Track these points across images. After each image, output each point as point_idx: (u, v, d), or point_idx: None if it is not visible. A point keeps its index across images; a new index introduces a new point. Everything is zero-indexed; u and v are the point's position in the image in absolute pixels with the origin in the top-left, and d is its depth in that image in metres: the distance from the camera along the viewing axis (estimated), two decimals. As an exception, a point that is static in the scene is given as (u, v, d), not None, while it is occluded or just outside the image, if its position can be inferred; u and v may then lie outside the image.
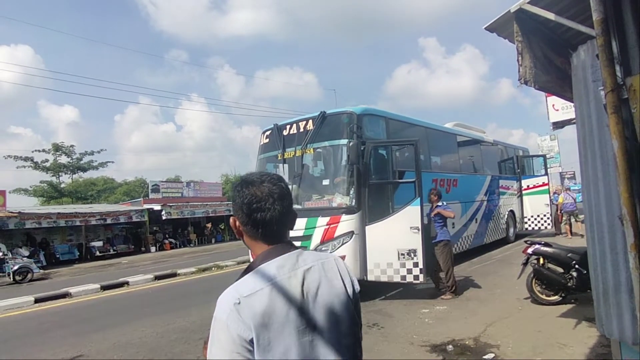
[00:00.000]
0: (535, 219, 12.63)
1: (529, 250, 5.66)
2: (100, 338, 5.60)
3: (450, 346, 4.29)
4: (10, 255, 14.46)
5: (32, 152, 32.15)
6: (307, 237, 6.36)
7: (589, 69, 2.77)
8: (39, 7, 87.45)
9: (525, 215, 12.82)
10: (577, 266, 5.26)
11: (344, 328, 1.11)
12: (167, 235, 23.58)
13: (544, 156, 14.10)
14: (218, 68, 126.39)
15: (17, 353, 5.32)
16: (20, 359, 5.13)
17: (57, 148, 32.36)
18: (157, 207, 21.90)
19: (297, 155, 6.97)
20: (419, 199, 6.08)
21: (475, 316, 5.31)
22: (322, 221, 6.36)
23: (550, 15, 2.91)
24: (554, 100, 15.73)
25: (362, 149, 6.33)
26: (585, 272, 4.94)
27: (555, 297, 5.50)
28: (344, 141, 6.48)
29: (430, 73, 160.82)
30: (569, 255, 5.43)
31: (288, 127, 7.31)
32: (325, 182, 6.90)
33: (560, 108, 16.22)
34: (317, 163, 7.24)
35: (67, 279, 12.78)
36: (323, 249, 6.14)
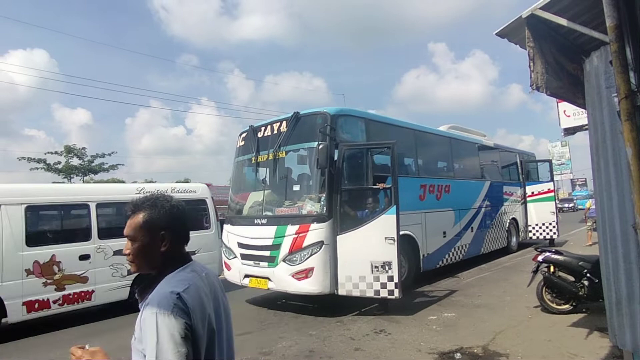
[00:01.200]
0: (541, 228, 12.09)
1: (540, 258, 5.58)
2: (104, 340, 5.63)
3: (459, 354, 4.24)
4: None
5: (45, 154, 32.60)
6: (275, 247, 6.00)
7: (602, 76, 2.74)
8: (54, 13, 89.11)
9: (529, 223, 12.26)
10: (588, 275, 5.18)
11: (230, 327, 1.42)
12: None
13: (549, 161, 13.47)
14: (228, 72, 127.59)
15: (27, 353, 5.36)
16: (27, 359, 5.17)
17: (69, 150, 32.83)
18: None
19: (270, 158, 6.63)
20: (395, 206, 5.70)
21: (484, 324, 5.24)
22: (292, 229, 5.91)
23: (563, 21, 2.89)
24: (565, 106, 15.59)
25: (334, 152, 5.95)
26: (597, 281, 4.85)
27: (566, 306, 5.41)
28: (315, 144, 6.03)
29: (440, 78, 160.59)
30: (580, 263, 5.34)
31: (263, 128, 6.96)
32: (296, 187, 6.55)
33: (572, 114, 16.07)
34: (290, 167, 6.79)
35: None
36: (293, 259, 5.81)
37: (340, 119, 6.39)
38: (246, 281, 6.49)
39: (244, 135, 7.38)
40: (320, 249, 5.70)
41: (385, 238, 5.61)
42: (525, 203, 12.31)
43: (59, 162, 32.51)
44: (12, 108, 63.83)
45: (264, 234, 6.19)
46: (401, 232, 6.98)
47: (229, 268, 6.94)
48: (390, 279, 5.59)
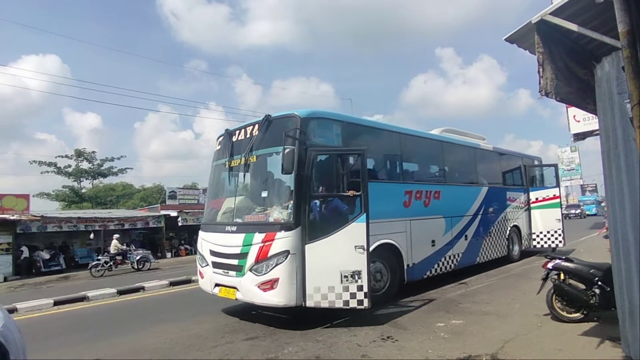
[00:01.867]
0: (545, 236, 11.57)
1: (549, 265, 5.50)
2: (116, 342, 5.66)
3: (467, 362, 4.19)
4: (134, 248, 16.95)
5: (56, 157, 33.19)
6: (243, 255, 5.77)
7: (614, 81, 2.71)
8: (67, 19, 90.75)
9: (533, 231, 11.76)
10: (600, 283, 5.09)
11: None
12: (182, 242, 23.83)
13: (555, 165, 12.72)
14: (236, 77, 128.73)
15: (36, 355, 5.41)
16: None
17: (79, 154, 33.32)
18: (173, 214, 22.17)
19: (242, 163, 6.44)
20: (365, 214, 5.50)
21: (492, 331, 5.17)
22: (258, 238, 5.66)
23: (573, 27, 2.87)
24: (575, 111, 15.43)
25: (304, 157, 5.68)
26: (608, 289, 4.77)
27: (577, 315, 5.32)
28: (288, 148, 5.72)
29: (447, 83, 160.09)
30: (592, 271, 5.25)
31: (237, 132, 6.74)
32: (264, 194, 6.32)
33: (581, 119, 15.88)
34: (260, 172, 6.57)
35: (85, 282, 13.01)
36: (259, 269, 5.59)
37: (311, 122, 6.10)
38: (216, 290, 6.29)
39: (220, 139, 7.20)
40: (285, 258, 5.44)
41: (355, 247, 5.45)
42: (529, 209, 11.81)
43: (69, 166, 33.04)
44: (25, 112, 64.79)
45: (233, 241, 5.98)
46: (383, 241, 6.75)
47: (202, 276, 6.77)
48: (360, 288, 5.44)
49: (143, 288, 10.17)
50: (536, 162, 12.87)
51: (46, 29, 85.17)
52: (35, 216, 17.52)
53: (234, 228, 6.17)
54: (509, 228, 10.87)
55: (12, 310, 8.30)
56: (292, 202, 5.62)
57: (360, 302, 5.47)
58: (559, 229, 11.40)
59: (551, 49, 2.92)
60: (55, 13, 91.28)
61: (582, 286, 5.32)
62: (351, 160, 6.14)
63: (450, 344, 4.78)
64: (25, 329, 7.10)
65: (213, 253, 6.40)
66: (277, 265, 5.46)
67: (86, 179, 34.74)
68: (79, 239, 20.46)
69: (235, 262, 5.90)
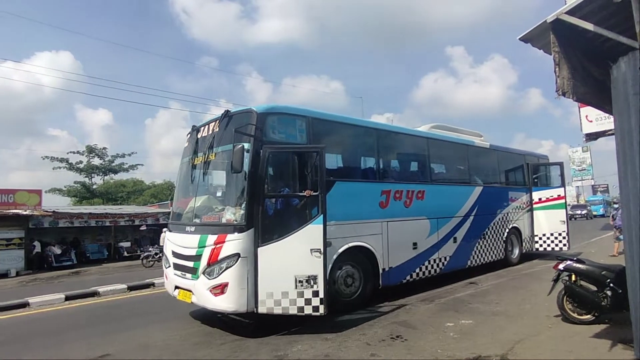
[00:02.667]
0: (549, 238, 10.99)
1: (560, 267, 5.46)
2: (125, 338, 5.74)
3: (477, 363, 4.17)
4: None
5: (68, 153, 33.54)
6: (198, 257, 5.55)
7: (630, 82, 2.68)
8: (80, 16, 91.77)
9: (536, 233, 11.17)
10: (612, 285, 5.03)
11: None
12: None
13: (560, 164, 11.91)
14: (246, 75, 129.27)
15: (47, 350, 5.51)
16: (47, 359, 5.29)
17: (90, 150, 33.66)
18: (182, 210, 22.35)
19: (202, 161, 6.25)
20: (322, 216, 5.24)
21: (502, 332, 5.15)
22: (211, 240, 5.43)
23: (589, 26, 2.84)
24: (587, 111, 15.22)
25: (259, 154, 5.44)
26: (620, 291, 4.72)
27: (588, 317, 5.27)
28: (239, 145, 5.45)
29: (458, 82, 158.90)
30: (604, 273, 5.20)
31: (202, 129, 6.52)
32: (219, 193, 6.16)
33: (594, 119, 15.66)
34: (218, 171, 6.41)
35: (96, 278, 13.18)
36: (211, 272, 5.37)
37: (270, 117, 5.83)
38: (176, 293, 6.10)
39: (188, 136, 7.00)
40: (235, 262, 5.18)
41: (311, 250, 5.18)
42: (531, 210, 11.23)
43: (81, 162, 33.37)
44: (38, 108, 65.84)
45: (190, 242, 5.77)
46: (354, 244, 6.45)
47: (166, 278, 6.63)
48: (316, 294, 5.18)
49: (153, 284, 10.27)
50: (541, 161, 12.27)
51: (60, 25, 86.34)
52: (47, 211, 17.77)
53: (193, 229, 5.97)
54: (507, 230, 10.34)
55: (24, 305, 8.45)
56: (244, 202, 5.38)
57: (315, 308, 5.20)
58: (564, 231, 10.85)
59: (567, 49, 2.89)
60: (69, 10, 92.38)
61: (594, 288, 5.27)
62: (309, 158, 5.80)
63: (460, 344, 4.77)
64: (36, 323, 7.26)
65: (174, 254, 6.21)
66: (227, 268, 5.21)
67: (97, 175, 35.11)
68: (90, 235, 20.72)
69: (191, 264, 5.71)
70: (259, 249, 5.20)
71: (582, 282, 5.35)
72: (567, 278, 5.40)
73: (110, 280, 11.30)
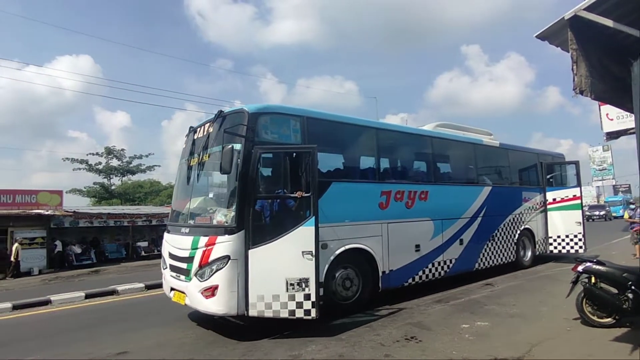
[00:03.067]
0: (564, 240, 10.52)
1: (579, 268, 5.34)
2: (142, 336, 5.84)
3: (493, 365, 4.12)
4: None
5: (87, 155, 34.26)
6: (190, 259, 5.49)
7: (651, 79, 2.61)
8: (99, 20, 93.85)
9: (550, 235, 10.75)
10: (633, 287, 4.91)
11: None
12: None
13: (576, 163, 11.36)
14: (261, 76, 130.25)
15: (68, 346, 5.65)
16: (60, 359, 5.43)
17: (109, 152, 34.35)
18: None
19: (197, 162, 6.20)
20: (314, 217, 5.16)
21: (518, 335, 5.06)
22: (203, 241, 5.37)
23: (608, 22, 2.77)
24: (608, 109, 14.87)
25: (250, 155, 5.34)
26: (643, 294, 4.60)
27: (608, 320, 5.15)
28: (229, 146, 5.38)
29: (473, 81, 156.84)
30: (625, 275, 5.07)
31: (198, 129, 6.45)
32: (211, 194, 6.07)
33: (615, 117, 15.30)
34: (211, 172, 6.27)
35: (115, 277, 13.45)
36: (203, 274, 5.30)
37: (262, 117, 5.71)
38: (172, 294, 6.08)
39: (186, 137, 6.94)
40: (225, 264, 5.10)
41: (303, 252, 5.10)
42: (545, 211, 10.81)
43: (100, 163, 34.08)
44: (59, 111, 67.64)
45: (185, 244, 5.73)
46: (352, 246, 6.31)
47: (164, 279, 6.56)
48: (307, 297, 5.11)
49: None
50: (556, 160, 11.81)
51: (80, 30, 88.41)
52: (67, 211, 18.24)
53: (187, 230, 5.93)
54: (518, 231, 9.96)
55: (46, 302, 8.69)
56: (235, 204, 5.29)
57: (307, 312, 5.13)
58: (580, 232, 10.36)
59: (585, 46, 2.83)
60: (89, 15, 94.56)
61: (614, 290, 5.15)
62: (300, 159, 5.69)
63: (475, 345, 4.71)
64: (58, 321, 7.45)
65: (170, 255, 6.19)
66: (217, 271, 5.15)
67: (115, 175, 35.80)
68: (109, 234, 21.16)
69: (185, 265, 5.66)
70: (250, 251, 5.12)
71: (602, 285, 5.23)
72: (586, 280, 5.29)
73: (129, 279, 11.53)
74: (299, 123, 6.08)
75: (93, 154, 34.24)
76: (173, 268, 6.07)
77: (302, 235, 5.17)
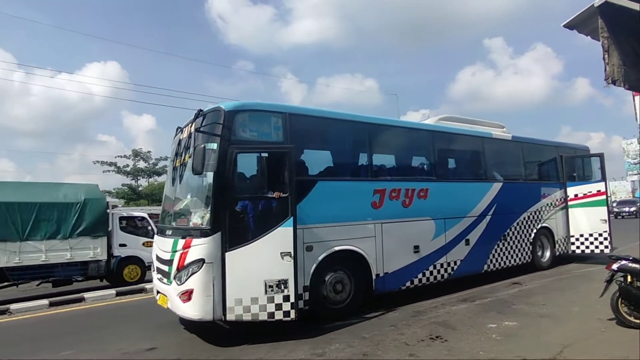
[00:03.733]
0: (587, 239, 9.76)
1: (614, 267, 5.12)
2: (171, 332, 5.97)
3: (522, 366, 4.00)
4: None
5: (115, 157, 35.47)
6: (171, 262, 5.38)
7: (690, 66, 2.46)
8: (125, 27, 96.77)
9: (572, 233, 9.99)
10: (673, 286, 4.67)
11: None
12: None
13: (600, 155, 10.36)
14: (281, 77, 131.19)
15: (101, 341, 5.84)
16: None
17: (136, 154, 35.45)
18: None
19: (180, 163, 6.07)
20: (292, 218, 5.10)
21: (549, 335, 4.90)
22: (180, 244, 5.25)
23: (642, 8, 2.63)
24: (643, 99, 14.21)
25: (222, 155, 5.18)
26: (683, 293, 4.37)
27: (646, 321, 4.92)
28: (199, 146, 5.27)
29: (497, 75, 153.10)
30: (664, 273, 4.83)
31: (184, 129, 6.25)
32: (189, 196, 5.93)
33: (650, 108, 14.61)
34: (190, 173, 5.98)
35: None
36: (180, 277, 5.16)
37: (240, 115, 5.50)
38: (158, 297, 5.98)
39: (174, 137, 6.75)
40: (200, 268, 4.96)
41: (282, 253, 5.04)
42: (566, 208, 10.07)
43: (127, 165, 35.20)
44: (89, 116, 70.27)
45: (167, 246, 5.61)
46: (341, 247, 6.06)
47: (153, 281, 6.41)
48: (286, 298, 5.06)
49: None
50: (578, 153, 10.92)
51: (107, 37, 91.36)
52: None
53: (170, 232, 5.86)
54: (535, 230, 9.33)
55: (80, 299, 9.02)
56: (210, 205, 5.16)
57: (286, 313, 5.08)
58: (605, 231, 9.50)
59: (617, 34, 2.69)
60: (116, 22, 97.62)
61: (653, 290, 4.91)
62: (278, 158, 5.50)
63: (503, 346, 4.60)
64: (92, 317, 7.71)
65: (157, 257, 6.13)
66: (192, 274, 5.02)
67: (142, 177, 36.90)
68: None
69: (167, 268, 5.55)
70: (227, 254, 5.00)
71: (639, 284, 5.00)
72: (621, 279, 5.07)
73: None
74: (280, 120, 5.82)
75: (121, 157, 35.45)
76: (158, 270, 6.01)
77: (281, 237, 5.10)
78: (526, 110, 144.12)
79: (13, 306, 8.41)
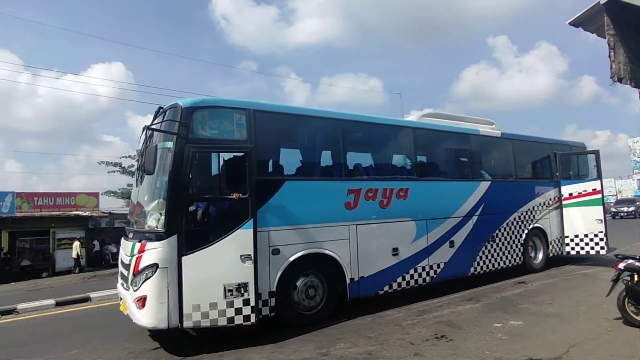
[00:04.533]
0: (582, 240, 9.43)
1: (621, 266, 5.08)
2: (177, 332, 5.98)
3: (528, 366, 3.98)
4: None
5: (120, 158, 35.51)
6: (129, 266, 5.11)
7: (698, 63, 2.44)
8: (130, 28, 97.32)
9: (567, 234, 9.64)
10: (681, 286, 4.63)
11: None
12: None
13: (596, 152, 9.88)
14: (285, 76, 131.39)
15: (106, 340, 5.88)
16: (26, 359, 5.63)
17: (140, 154, 35.57)
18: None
19: (141, 163, 5.74)
20: (252, 220, 4.98)
21: (555, 334, 4.88)
22: (137, 248, 4.98)
23: (648, 5, 2.61)
24: (649, 97, 14.08)
25: (179, 154, 4.94)
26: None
27: (654, 320, 4.88)
28: (151, 145, 5.05)
29: (501, 73, 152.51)
30: (671, 272, 4.79)
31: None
32: (146, 197, 5.59)
33: (657, 106, 14.45)
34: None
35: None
36: (136, 283, 4.89)
37: (199, 112, 5.20)
38: (120, 303, 5.66)
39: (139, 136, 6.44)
40: (153, 273, 4.70)
41: (241, 256, 4.92)
42: (560, 207, 9.70)
43: (132, 165, 35.24)
44: (94, 117, 70.90)
45: (128, 250, 5.36)
46: (311, 251, 5.78)
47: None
48: (246, 302, 4.93)
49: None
50: (573, 150, 10.54)
51: (112, 38, 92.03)
52: (104, 213, 19.05)
53: (131, 235, 5.61)
54: (526, 231, 8.95)
55: (86, 299, 9.09)
56: (164, 207, 4.90)
57: (246, 317, 4.97)
58: (600, 231, 9.15)
59: (623, 31, 2.67)
60: (120, 23, 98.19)
61: (660, 289, 4.87)
62: (237, 158, 5.32)
63: (509, 345, 4.58)
64: (97, 316, 7.77)
65: (120, 261, 5.89)
66: (145, 280, 4.76)
67: (147, 177, 37.04)
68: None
69: (126, 272, 5.28)
70: (184, 258, 4.78)
71: (646, 283, 4.97)
72: (628, 278, 5.04)
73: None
74: (244, 117, 5.50)
75: (126, 157, 35.44)
76: (121, 275, 5.78)
77: (240, 239, 4.98)
78: (531, 108, 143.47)
79: (20, 306, 8.51)
